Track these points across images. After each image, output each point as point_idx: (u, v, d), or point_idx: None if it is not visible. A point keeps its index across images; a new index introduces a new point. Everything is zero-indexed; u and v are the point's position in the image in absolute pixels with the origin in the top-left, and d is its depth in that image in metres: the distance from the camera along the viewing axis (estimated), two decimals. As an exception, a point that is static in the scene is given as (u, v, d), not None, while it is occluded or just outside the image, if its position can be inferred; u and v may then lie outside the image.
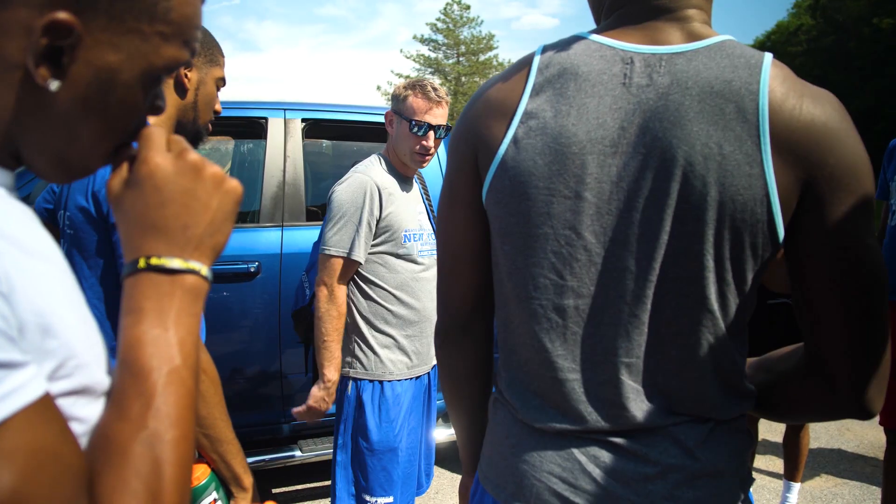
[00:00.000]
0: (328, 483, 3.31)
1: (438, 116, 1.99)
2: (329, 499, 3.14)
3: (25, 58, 0.47)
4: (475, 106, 0.91)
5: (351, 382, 2.01)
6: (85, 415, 0.47)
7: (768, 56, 0.78)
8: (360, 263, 1.95)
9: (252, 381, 2.87)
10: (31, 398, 0.39)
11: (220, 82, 1.40)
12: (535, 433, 0.88)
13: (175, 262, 0.53)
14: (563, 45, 0.86)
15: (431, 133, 1.98)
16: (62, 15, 0.47)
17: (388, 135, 2.09)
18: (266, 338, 2.84)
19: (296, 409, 2.07)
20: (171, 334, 0.51)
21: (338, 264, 1.92)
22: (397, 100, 2.02)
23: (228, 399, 3.16)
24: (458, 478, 3.36)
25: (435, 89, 1.99)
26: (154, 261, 0.53)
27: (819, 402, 0.87)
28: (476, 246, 0.94)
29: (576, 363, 0.84)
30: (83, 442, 0.47)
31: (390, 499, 2.00)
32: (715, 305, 0.79)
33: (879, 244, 2.71)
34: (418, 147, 1.98)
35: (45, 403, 0.41)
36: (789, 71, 0.79)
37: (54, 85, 0.49)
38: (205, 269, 0.55)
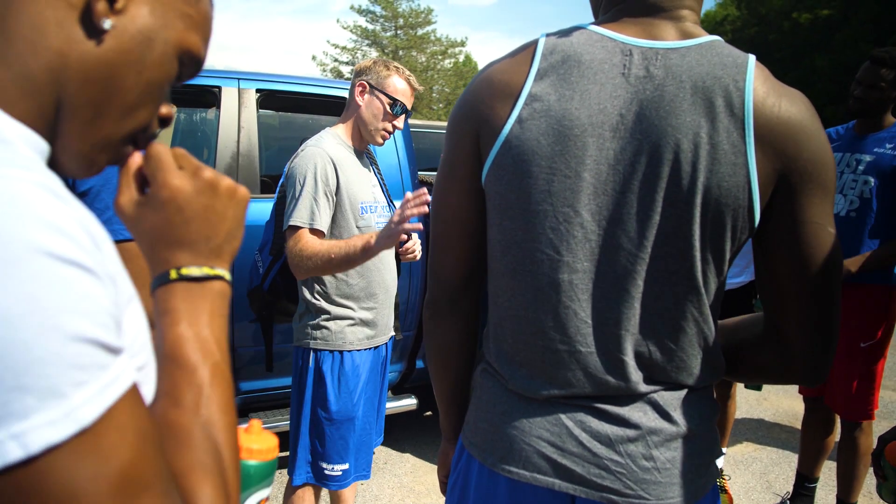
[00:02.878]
0: (280, 454, 3.33)
1: (410, 103, 2.08)
2: (283, 469, 3.16)
3: None
4: (477, 87, 0.94)
5: (311, 353, 2.02)
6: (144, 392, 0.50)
7: (752, 57, 0.86)
8: (324, 233, 1.95)
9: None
10: (130, 381, 0.42)
11: None
12: (523, 401, 0.93)
13: (203, 271, 0.58)
14: (566, 33, 0.91)
15: (403, 116, 2.06)
16: None
17: (348, 105, 2.10)
18: (217, 311, 2.80)
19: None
20: (208, 333, 0.56)
21: (303, 234, 1.91)
22: (377, 74, 2.05)
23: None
24: (406, 448, 3.44)
25: (412, 78, 2.10)
26: (184, 271, 0.57)
27: (774, 368, 0.97)
28: (470, 222, 0.98)
29: (567, 335, 0.89)
30: None
31: (346, 465, 2.05)
32: (700, 282, 0.87)
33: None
34: (389, 125, 2.05)
35: (135, 386, 0.43)
36: (769, 72, 0.87)
37: (108, 23, 0.51)
38: (227, 274, 0.60)
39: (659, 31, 0.88)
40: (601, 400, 0.90)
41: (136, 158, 0.60)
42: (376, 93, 2.03)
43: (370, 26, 32.95)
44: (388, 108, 2.03)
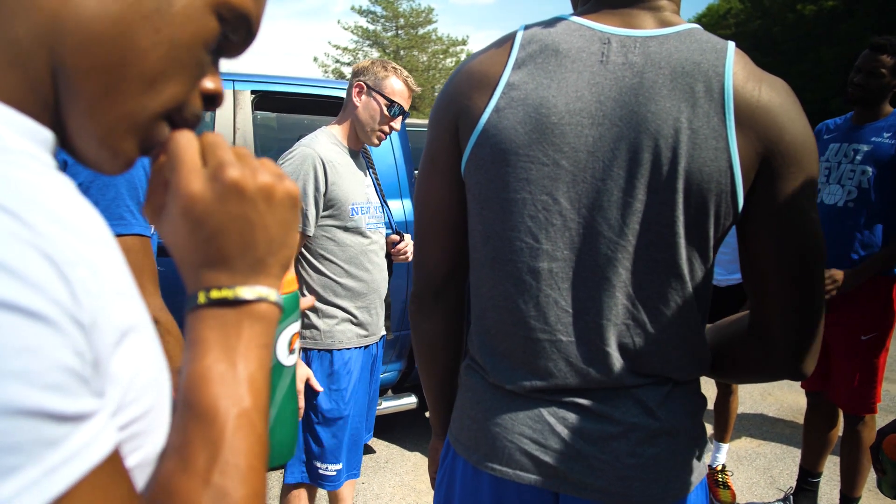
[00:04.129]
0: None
1: (407, 104, 2.09)
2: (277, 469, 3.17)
3: None
4: (457, 79, 0.95)
5: (300, 353, 2.03)
6: (145, 447, 0.42)
7: (731, 43, 0.85)
8: (309, 236, 1.95)
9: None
10: (101, 455, 0.33)
11: None
12: (506, 396, 0.93)
13: (238, 292, 0.46)
14: (545, 24, 0.91)
15: (400, 118, 2.06)
16: None
17: (346, 105, 2.10)
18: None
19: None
20: (239, 370, 0.45)
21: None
22: (374, 75, 2.05)
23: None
24: (407, 447, 3.43)
25: (410, 79, 2.09)
26: (214, 294, 0.46)
27: (758, 363, 0.95)
28: (452, 214, 0.98)
29: (548, 324, 0.89)
30: (140, 477, 0.41)
31: (339, 465, 2.05)
32: (684, 270, 0.86)
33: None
34: (387, 127, 2.05)
35: (114, 456, 0.34)
36: (748, 58, 0.86)
37: None
38: (273, 294, 0.48)
39: (637, 21, 0.88)
40: (584, 395, 0.89)
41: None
42: (374, 94, 2.03)
43: (371, 27, 32.95)
44: (385, 109, 2.02)
